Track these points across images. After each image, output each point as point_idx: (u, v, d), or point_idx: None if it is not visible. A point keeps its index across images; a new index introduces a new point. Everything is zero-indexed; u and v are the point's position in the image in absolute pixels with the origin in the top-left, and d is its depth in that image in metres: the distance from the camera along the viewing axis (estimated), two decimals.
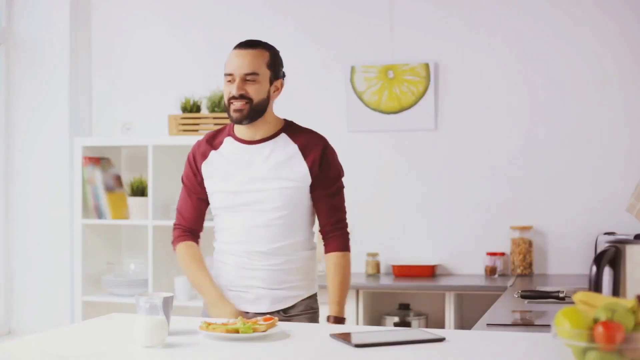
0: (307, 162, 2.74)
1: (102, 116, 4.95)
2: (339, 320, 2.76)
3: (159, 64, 4.90)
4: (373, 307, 4.42)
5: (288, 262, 2.77)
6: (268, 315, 2.39)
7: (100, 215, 4.63)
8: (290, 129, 2.80)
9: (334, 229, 2.86)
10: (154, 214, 4.47)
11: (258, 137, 2.76)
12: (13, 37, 4.78)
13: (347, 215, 4.60)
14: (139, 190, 4.61)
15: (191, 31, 4.82)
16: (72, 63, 4.77)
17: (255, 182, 2.73)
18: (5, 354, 2.02)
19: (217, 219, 2.82)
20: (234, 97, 2.68)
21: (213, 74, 4.30)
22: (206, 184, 2.79)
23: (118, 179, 4.76)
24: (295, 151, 2.75)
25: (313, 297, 2.87)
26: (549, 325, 2.36)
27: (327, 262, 2.86)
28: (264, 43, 2.79)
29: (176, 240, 2.84)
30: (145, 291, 4.44)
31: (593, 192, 4.38)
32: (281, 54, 4.74)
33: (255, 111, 2.70)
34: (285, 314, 2.76)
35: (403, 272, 4.44)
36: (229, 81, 2.71)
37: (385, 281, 4.36)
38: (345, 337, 2.07)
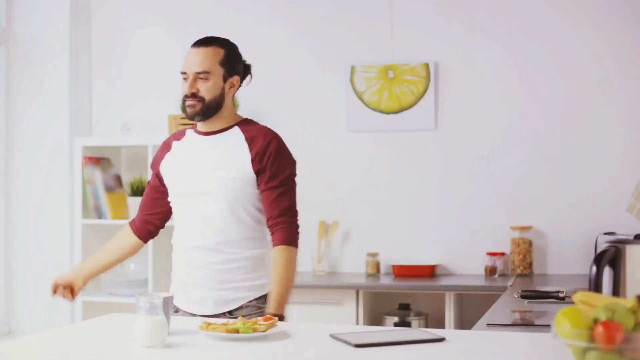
0: (251, 154, 2.72)
1: (102, 116, 4.95)
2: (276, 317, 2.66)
3: (159, 64, 4.90)
4: (373, 307, 4.42)
5: (230, 260, 2.72)
6: (268, 315, 2.39)
7: (100, 215, 4.64)
8: (244, 123, 2.82)
9: (277, 222, 2.70)
10: None
11: (213, 130, 2.79)
12: (13, 37, 4.78)
13: (345, 214, 4.63)
14: (139, 190, 4.61)
15: (191, 31, 4.79)
16: (72, 63, 4.77)
17: (200, 171, 2.75)
18: (5, 354, 2.02)
19: (174, 214, 2.89)
20: (186, 96, 2.73)
21: None
22: (164, 171, 2.85)
23: (118, 179, 4.76)
24: (242, 142, 2.74)
25: (262, 299, 2.76)
26: (549, 325, 2.36)
27: (273, 257, 2.73)
28: (220, 40, 2.79)
29: (127, 224, 3.02)
30: (145, 291, 4.44)
31: (593, 192, 4.38)
32: (281, 54, 4.72)
33: (208, 109, 2.73)
34: (231, 316, 2.70)
35: (403, 272, 4.44)
36: (184, 79, 2.76)
37: (385, 281, 4.36)
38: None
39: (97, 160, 4.67)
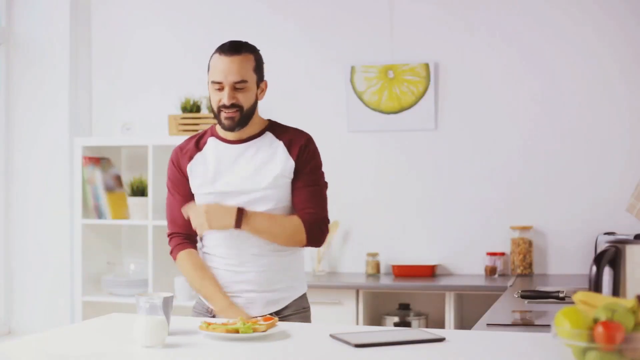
0: (292, 156, 2.72)
1: (102, 116, 4.95)
2: (240, 211, 2.61)
3: (159, 64, 4.90)
4: (373, 307, 4.42)
5: (277, 262, 2.71)
6: (268, 315, 2.39)
7: (100, 215, 4.64)
8: (275, 127, 2.79)
9: (304, 214, 2.70)
10: (154, 214, 4.47)
11: (244, 137, 2.75)
12: (13, 37, 4.78)
13: (345, 214, 4.63)
14: (139, 190, 4.61)
15: (191, 31, 4.83)
16: (72, 63, 4.78)
17: (242, 182, 2.69)
18: (5, 354, 2.02)
19: None
20: (224, 106, 2.66)
21: None
22: (194, 185, 2.75)
23: (118, 179, 4.76)
24: (281, 148, 2.73)
25: (303, 297, 2.80)
26: (549, 325, 2.36)
27: None
28: (247, 45, 2.76)
29: (176, 249, 2.77)
30: (145, 291, 4.44)
31: (593, 192, 4.38)
32: (281, 54, 4.74)
33: (246, 117, 2.70)
34: (278, 316, 2.69)
35: (403, 272, 4.44)
36: (218, 89, 2.68)
37: (385, 281, 4.36)
38: None
39: (97, 160, 4.67)
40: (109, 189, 4.66)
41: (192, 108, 4.59)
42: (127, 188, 4.70)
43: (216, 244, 2.73)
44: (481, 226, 4.51)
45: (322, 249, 4.59)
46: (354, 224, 4.68)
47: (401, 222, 4.61)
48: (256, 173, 2.70)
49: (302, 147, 2.73)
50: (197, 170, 2.74)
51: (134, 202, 4.59)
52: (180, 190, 2.77)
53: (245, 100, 2.69)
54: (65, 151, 4.71)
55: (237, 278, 2.70)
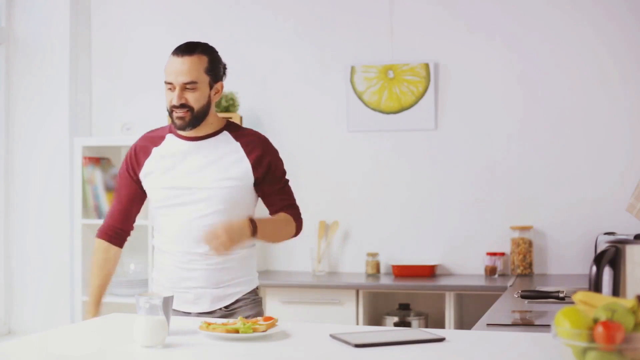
0: (250, 160, 2.74)
1: (102, 116, 4.95)
2: (252, 222, 2.66)
3: (159, 63, 4.84)
4: (373, 307, 4.42)
5: (227, 260, 2.75)
6: (268, 315, 2.39)
7: (100, 215, 4.64)
8: (232, 128, 2.81)
9: (280, 208, 2.82)
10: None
11: (200, 135, 2.78)
12: (13, 37, 4.78)
13: (345, 214, 4.63)
14: None
15: (191, 31, 4.82)
16: (72, 63, 4.77)
17: (195, 179, 2.73)
18: (5, 354, 2.02)
19: (156, 218, 2.85)
20: (174, 106, 2.70)
21: None
22: (147, 180, 2.81)
23: None
24: (237, 149, 2.75)
25: (254, 291, 2.84)
26: (549, 325, 2.36)
27: None
28: (202, 46, 2.76)
29: (99, 233, 2.91)
30: (145, 291, 4.43)
31: (593, 192, 4.38)
32: (281, 54, 4.73)
33: (197, 118, 2.72)
34: (227, 309, 2.76)
35: (403, 272, 4.44)
36: (169, 89, 2.72)
37: (385, 281, 4.36)
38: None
39: (97, 160, 4.67)
40: (109, 189, 4.66)
41: None
42: None
43: (167, 241, 2.79)
44: (481, 226, 4.51)
45: (322, 248, 4.59)
46: (354, 224, 4.68)
47: (401, 222, 4.61)
48: (211, 168, 2.73)
49: (260, 154, 2.76)
50: (152, 165, 2.80)
51: None
52: (123, 184, 2.90)
53: (195, 101, 2.70)
54: (65, 151, 4.71)
55: (185, 275, 2.75)
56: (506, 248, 4.46)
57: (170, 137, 2.81)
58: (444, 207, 4.56)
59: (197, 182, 2.73)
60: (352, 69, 4.65)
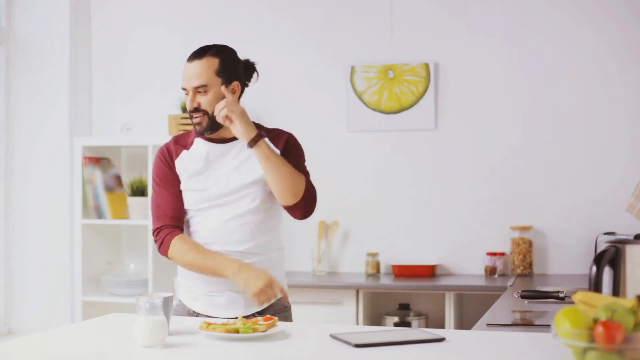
0: (278, 148, 2.75)
1: (102, 116, 4.95)
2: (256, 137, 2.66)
3: (159, 63, 4.90)
4: (373, 307, 4.42)
5: (260, 262, 2.72)
6: (268, 315, 2.39)
7: (100, 215, 4.64)
8: (258, 127, 2.79)
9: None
10: None
11: (228, 137, 2.77)
12: (13, 37, 4.78)
13: (345, 214, 4.63)
14: (139, 190, 4.61)
15: (191, 31, 4.82)
16: (72, 63, 4.78)
17: (227, 181, 2.72)
18: (5, 354, 2.02)
19: (188, 222, 2.78)
20: (190, 111, 2.71)
21: None
22: (183, 185, 2.77)
23: (118, 179, 4.76)
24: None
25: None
26: (549, 325, 2.36)
27: None
28: (214, 48, 2.74)
29: (167, 238, 2.71)
30: (145, 291, 4.44)
31: (593, 192, 4.38)
32: (281, 54, 4.71)
33: (214, 121, 2.70)
34: (260, 315, 2.66)
35: (403, 272, 4.44)
36: (186, 94, 2.73)
37: (385, 281, 4.36)
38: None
39: (97, 160, 4.67)
40: (109, 189, 4.66)
41: None
42: (127, 188, 4.71)
43: (202, 242, 2.73)
44: (481, 226, 4.51)
45: (322, 248, 4.59)
46: (354, 224, 4.68)
47: (401, 222, 4.61)
48: (241, 169, 2.73)
49: (287, 140, 2.78)
50: (184, 168, 2.77)
51: (134, 202, 4.59)
52: (167, 182, 2.77)
53: (208, 104, 2.70)
54: (65, 151, 4.71)
55: (218, 278, 2.69)
56: (506, 248, 4.46)
57: (198, 141, 2.79)
58: (444, 207, 4.56)
59: (228, 184, 2.72)
60: (352, 69, 4.65)
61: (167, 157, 2.80)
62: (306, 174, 2.82)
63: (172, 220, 2.74)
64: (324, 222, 4.62)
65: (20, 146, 4.78)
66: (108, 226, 4.75)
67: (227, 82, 2.72)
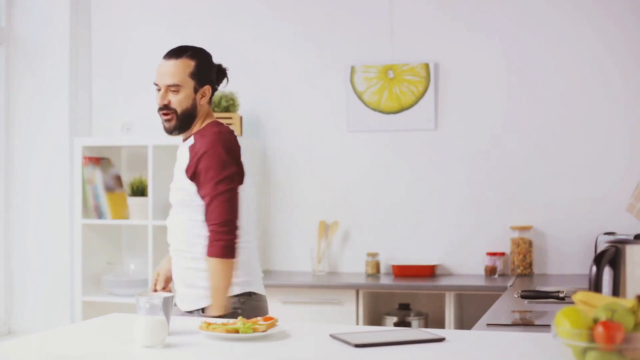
0: (189, 161, 2.76)
1: (102, 116, 4.95)
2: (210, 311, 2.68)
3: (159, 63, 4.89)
4: (373, 307, 4.42)
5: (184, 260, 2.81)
6: (267, 316, 2.39)
7: (100, 215, 4.64)
8: (203, 130, 2.80)
9: (210, 236, 2.71)
10: (154, 214, 4.47)
11: (184, 139, 2.87)
12: (13, 37, 4.78)
13: (345, 214, 4.63)
14: (139, 190, 4.61)
15: (191, 31, 4.82)
16: (72, 63, 4.77)
17: (173, 181, 2.85)
18: (5, 354, 2.02)
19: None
20: (159, 108, 2.78)
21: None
22: None
23: (118, 179, 4.76)
24: (187, 149, 2.79)
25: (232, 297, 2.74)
26: (549, 325, 2.36)
27: None
28: (191, 50, 2.81)
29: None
30: (145, 291, 4.44)
31: (593, 192, 4.38)
32: (281, 54, 4.71)
33: (182, 121, 2.78)
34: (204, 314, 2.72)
35: (403, 272, 4.44)
36: (157, 90, 2.80)
37: (385, 281, 4.36)
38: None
39: (97, 160, 4.67)
40: (109, 189, 4.66)
41: None
42: (127, 188, 4.70)
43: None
44: (481, 226, 4.51)
45: (322, 248, 4.59)
46: (354, 224, 4.68)
47: (401, 222, 4.61)
48: (176, 174, 2.83)
49: (195, 151, 2.74)
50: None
51: (134, 202, 4.59)
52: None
53: (178, 103, 2.76)
54: (65, 151, 4.71)
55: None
56: (506, 248, 4.46)
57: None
58: (444, 207, 4.56)
59: (172, 184, 2.84)
60: (352, 69, 4.65)
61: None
62: (221, 193, 2.68)
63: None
64: (324, 222, 4.63)
65: (20, 146, 4.78)
66: (108, 226, 4.75)
67: (199, 85, 2.78)
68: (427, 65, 4.56)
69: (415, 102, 4.58)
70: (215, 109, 4.49)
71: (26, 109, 4.77)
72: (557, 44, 4.45)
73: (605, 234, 3.79)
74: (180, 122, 2.77)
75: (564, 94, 4.45)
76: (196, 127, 2.82)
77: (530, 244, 4.39)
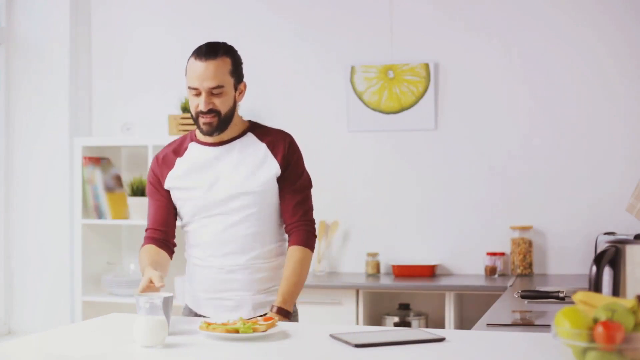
0: (277, 159, 2.69)
1: (102, 116, 4.95)
2: (281, 311, 2.59)
3: (159, 63, 4.90)
4: (373, 307, 4.42)
5: (266, 269, 2.70)
6: (268, 315, 2.39)
7: (100, 215, 4.64)
8: (256, 128, 2.76)
9: (297, 225, 2.70)
10: None
11: (225, 139, 2.72)
12: (13, 37, 4.78)
13: (345, 214, 4.63)
14: (139, 190, 4.61)
15: (191, 31, 4.82)
16: (72, 63, 4.78)
17: (225, 184, 2.67)
18: (5, 354, 2.02)
19: (188, 232, 2.76)
20: (202, 112, 2.62)
21: None
22: (173, 192, 2.73)
23: (118, 179, 4.76)
24: (264, 150, 2.70)
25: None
26: (549, 325, 2.36)
27: (287, 256, 2.73)
28: (224, 48, 2.67)
29: (143, 242, 2.75)
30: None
31: (593, 192, 4.38)
32: (281, 54, 4.72)
33: (224, 122, 2.65)
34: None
35: (403, 272, 4.44)
36: (195, 95, 2.63)
37: (385, 281, 4.36)
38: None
39: (97, 160, 4.67)
40: (109, 189, 4.66)
41: None
42: (127, 188, 4.71)
43: (205, 250, 2.71)
44: (481, 226, 4.51)
45: (322, 248, 4.59)
46: (354, 224, 4.68)
47: (401, 222, 4.61)
48: (235, 175, 2.68)
49: (287, 148, 2.71)
50: (179, 177, 2.72)
51: (134, 202, 4.59)
52: (155, 195, 2.76)
53: (222, 105, 2.63)
54: (65, 151, 4.71)
55: (226, 283, 2.68)
56: (506, 248, 4.46)
57: (193, 146, 2.74)
58: (444, 207, 4.56)
59: (227, 188, 2.67)
60: (352, 69, 4.65)
61: (159, 171, 2.75)
62: (308, 189, 2.76)
63: (154, 232, 2.74)
64: (324, 222, 4.62)
65: (20, 146, 4.78)
66: (108, 226, 4.75)
67: (237, 82, 2.68)
68: (427, 65, 4.56)
69: (415, 102, 4.58)
70: None
71: (26, 109, 4.77)
72: (557, 44, 4.46)
73: (605, 234, 3.79)
74: (223, 122, 2.64)
75: (564, 94, 4.45)
76: (235, 125, 2.71)
77: (530, 244, 4.39)
